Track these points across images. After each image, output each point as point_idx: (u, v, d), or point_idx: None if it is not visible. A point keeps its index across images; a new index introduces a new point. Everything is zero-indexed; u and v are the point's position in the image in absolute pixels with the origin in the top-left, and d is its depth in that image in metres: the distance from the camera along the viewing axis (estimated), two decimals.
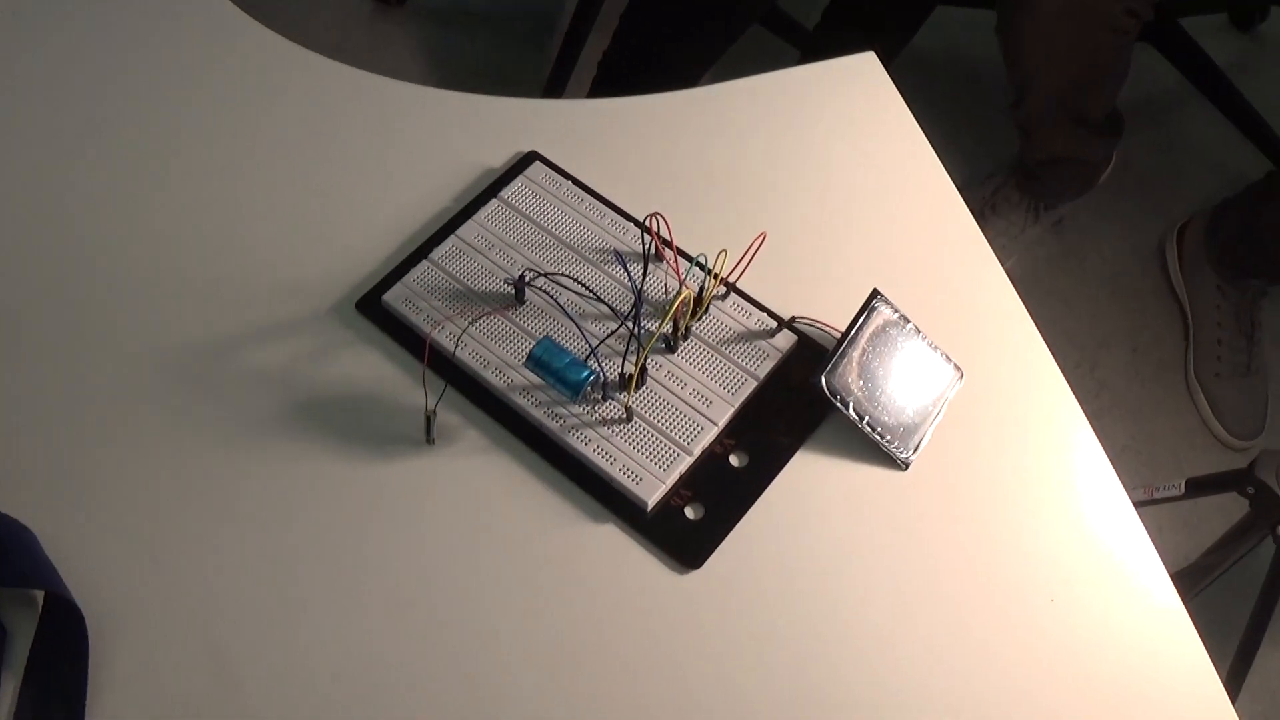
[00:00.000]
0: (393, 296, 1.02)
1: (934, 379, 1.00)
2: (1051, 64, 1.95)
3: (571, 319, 0.97)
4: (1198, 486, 1.75)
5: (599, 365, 0.94)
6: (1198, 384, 2.14)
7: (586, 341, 0.95)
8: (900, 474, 0.97)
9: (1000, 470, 0.98)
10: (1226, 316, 2.15)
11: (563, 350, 0.93)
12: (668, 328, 0.97)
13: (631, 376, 0.94)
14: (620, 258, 0.97)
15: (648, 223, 0.98)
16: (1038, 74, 1.98)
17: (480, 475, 0.95)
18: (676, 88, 1.18)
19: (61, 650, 0.85)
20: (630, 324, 0.95)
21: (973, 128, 2.36)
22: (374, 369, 0.99)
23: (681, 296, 0.92)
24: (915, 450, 0.97)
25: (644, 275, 1.00)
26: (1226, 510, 1.77)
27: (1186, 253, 2.24)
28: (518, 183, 1.08)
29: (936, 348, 1.00)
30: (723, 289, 1.01)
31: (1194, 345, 2.19)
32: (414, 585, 0.90)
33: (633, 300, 1.00)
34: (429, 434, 0.95)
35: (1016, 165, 2.20)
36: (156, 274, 1.05)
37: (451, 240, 1.05)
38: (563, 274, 1.00)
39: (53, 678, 0.84)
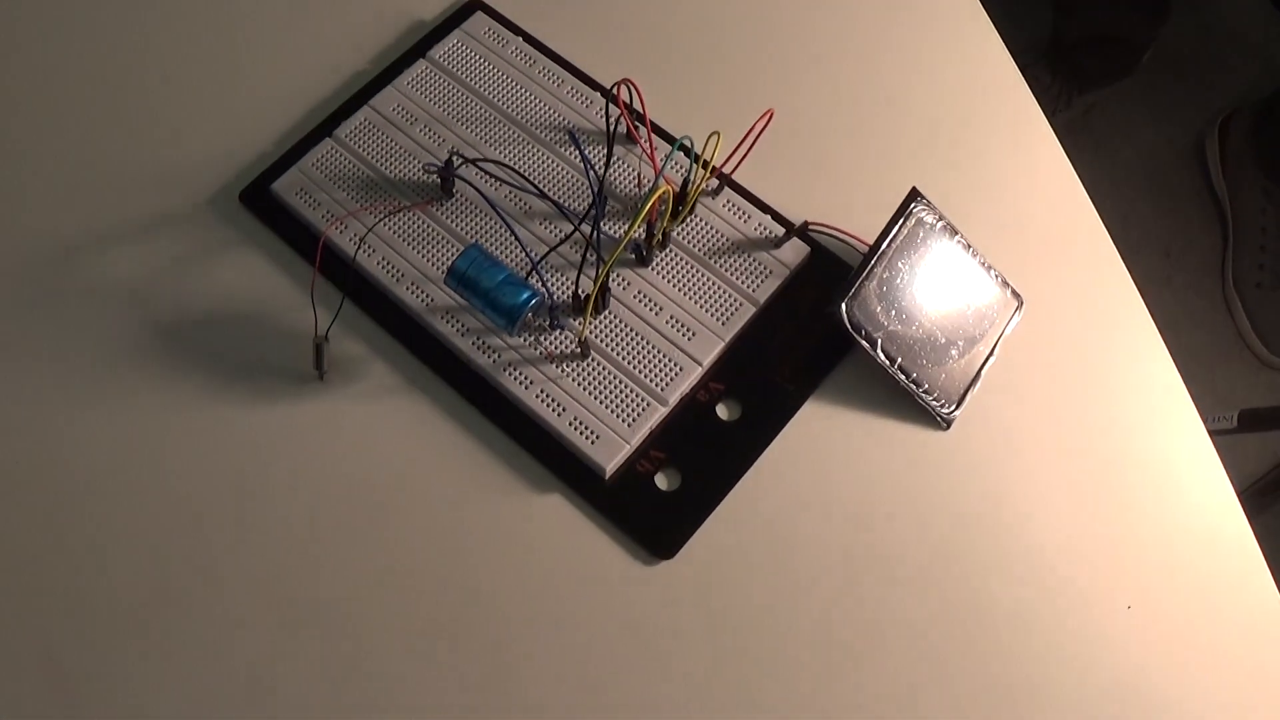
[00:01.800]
0: (284, 185, 0.79)
1: (986, 309, 0.77)
2: None
3: (507, 220, 0.73)
4: (1254, 420, 1.56)
5: (544, 284, 0.71)
6: (1236, 295, 1.97)
7: (526, 252, 0.71)
8: (940, 434, 0.75)
9: (1069, 432, 0.76)
10: (1271, 221, 1.98)
11: (496, 263, 0.70)
12: (639, 232, 0.73)
13: (589, 298, 0.70)
14: (576, 140, 0.72)
15: (615, 92, 0.74)
16: None
17: (385, 424, 0.73)
18: None
19: None
20: (588, 227, 0.71)
21: (1000, 1, 2.15)
22: (256, 278, 0.78)
23: (659, 191, 0.68)
24: (959, 404, 0.75)
25: (608, 161, 0.76)
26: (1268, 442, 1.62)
27: (1229, 149, 2.06)
28: (453, 38, 0.85)
29: (990, 268, 0.77)
30: (714, 182, 0.77)
31: (1233, 252, 2.00)
32: (292, 569, 0.69)
33: (591, 195, 0.76)
34: (319, 366, 0.72)
35: (1049, 44, 2.02)
36: None
37: (363, 112, 0.82)
38: (499, 161, 0.76)
39: None
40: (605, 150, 0.79)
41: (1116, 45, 1.99)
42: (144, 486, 0.71)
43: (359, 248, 0.75)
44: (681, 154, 0.76)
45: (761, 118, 0.75)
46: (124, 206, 0.80)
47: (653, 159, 0.77)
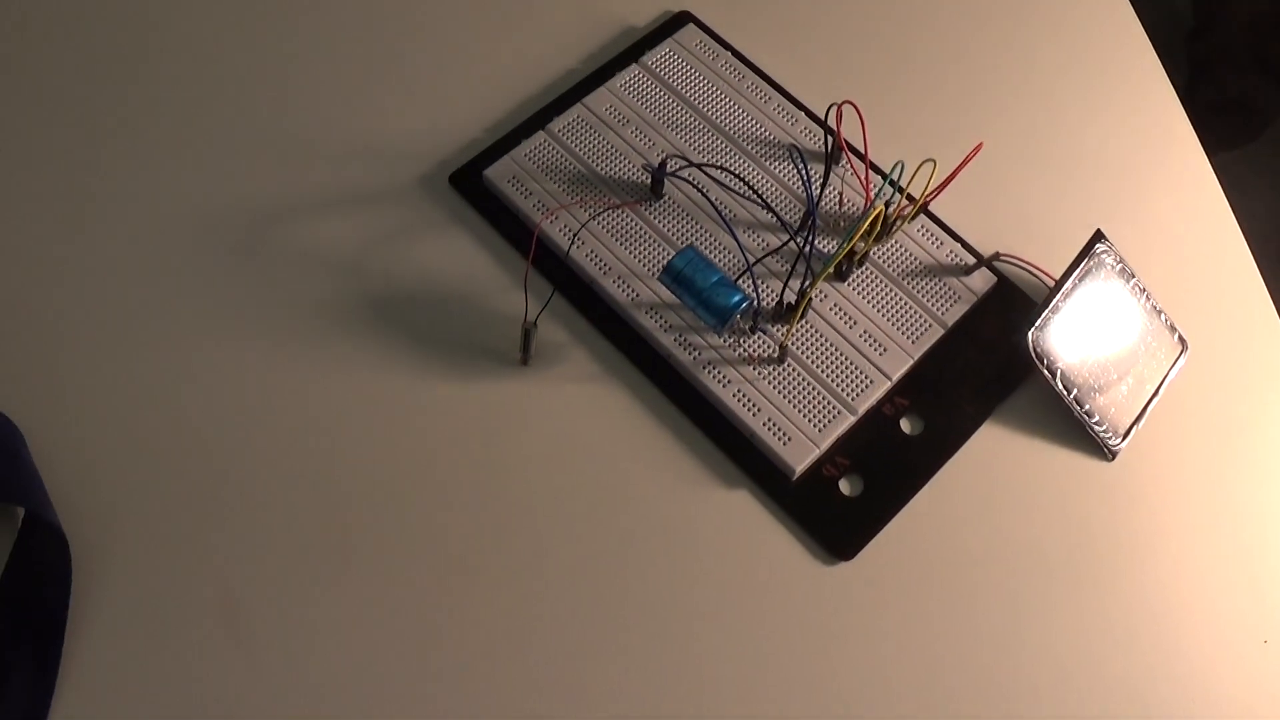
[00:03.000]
0: (497, 172, 0.82)
1: (1155, 351, 0.79)
2: None
3: (727, 227, 0.76)
4: None
5: (754, 289, 0.74)
6: None
7: (744, 257, 0.74)
8: (1105, 464, 0.78)
9: (1222, 473, 0.79)
10: None
11: (710, 265, 0.73)
12: (844, 251, 0.76)
13: (796, 308, 0.74)
14: (800, 154, 0.76)
15: (835, 111, 0.77)
16: (1232, 3, 1.84)
17: (582, 410, 0.77)
18: None
19: (39, 579, 0.68)
20: (800, 240, 0.75)
21: None
22: (462, 259, 0.81)
23: (874, 213, 0.72)
24: (1125, 438, 0.78)
25: (825, 180, 0.80)
26: None
27: None
28: (665, 47, 0.88)
29: (1161, 312, 0.80)
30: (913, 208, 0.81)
31: None
32: (486, 543, 0.72)
33: (796, 209, 0.81)
34: (525, 352, 0.75)
35: (1182, 104, 1.97)
36: (207, 113, 0.87)
37: (577, 109, 0.85)
38: (723, 167, 0.80)
39: (27, 610, 0.68)
40: (816, 169, 0.82)
41: (1246, 111, 1.99)
42: (337, 445, 0.74)
43: (572, 242, 0.78)
44: (886, 181, 0.79)
45: (973, 151, 0.78)
46: (336, 176, 0.84)
47: (866, 182, 0.80)
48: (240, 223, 0.82)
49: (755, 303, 0.74)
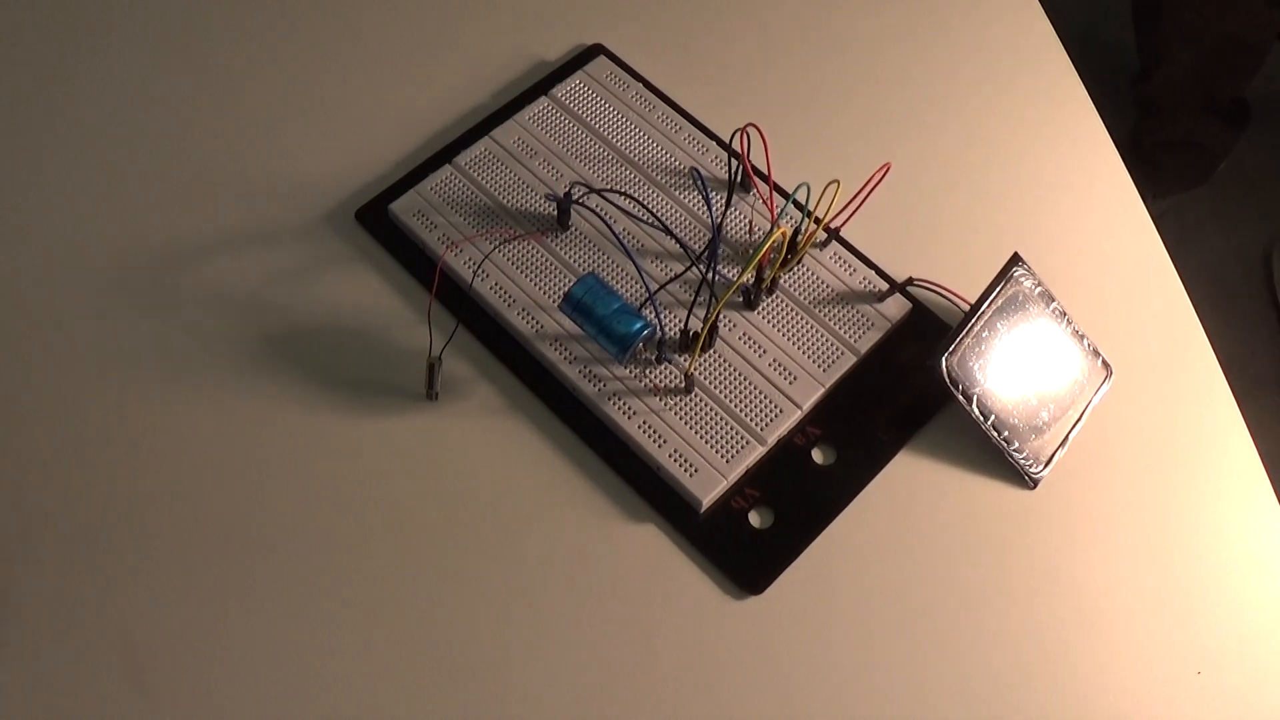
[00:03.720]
0: (402, 206, 0.81)
1: (1077, 376, 0.78)
2: (1192, 34, 1.80)
3: (627, 253, 0.75)
4: None
5: (657, 317, 0.72)
6: None
7: (645, 284, 0.72)
8: (1026, 493, 0.76)
9: (1149, 501, 0.77)
10: None
11: (611, 293, 0.71)
12: (749, 277, 0.74)
13: (698, 336, 0.72)
14: (701, 179, 0.74)
15: (739, 137, 0.76)
16: (1175, 44, 1.82)
17: (486, 446, 0.75)
18: None
19: None
20: (703, 267, 0.73)
21: None
22: (368, 295, 0.80)
23: (774, 237, 0.70)
24: (1047, 465, 0.76)
25: (727, 205, 0.78)
26: None
27: None
28: (575, 79, 0.87)
29: (1083, 336, 0.78)
30: (822, 235, 0.79)
31: None
32: (392, 583, 0.70)
33: (706, 238, 0.78)
34: (430, 387, 0.74)
35: (1129, 145, 2.00)
36: (104, 155, 0.85)
37: (484, 143, 0.84)
38: (624, 192, 0.78)
39: None
40: (720, 194, 0.81)
41: (1194, 152, 1.99)
42: (241, 485, 0.73)
43: (475, 274, 0.77)
44: (793, 206, 0.78)
45: (878, 171, 0.76)
46: (241, 215, 0.82)
47: (770, 205, 0.79)
48: (143, 263, 0.80)
49: (659, 331, 0.72)
